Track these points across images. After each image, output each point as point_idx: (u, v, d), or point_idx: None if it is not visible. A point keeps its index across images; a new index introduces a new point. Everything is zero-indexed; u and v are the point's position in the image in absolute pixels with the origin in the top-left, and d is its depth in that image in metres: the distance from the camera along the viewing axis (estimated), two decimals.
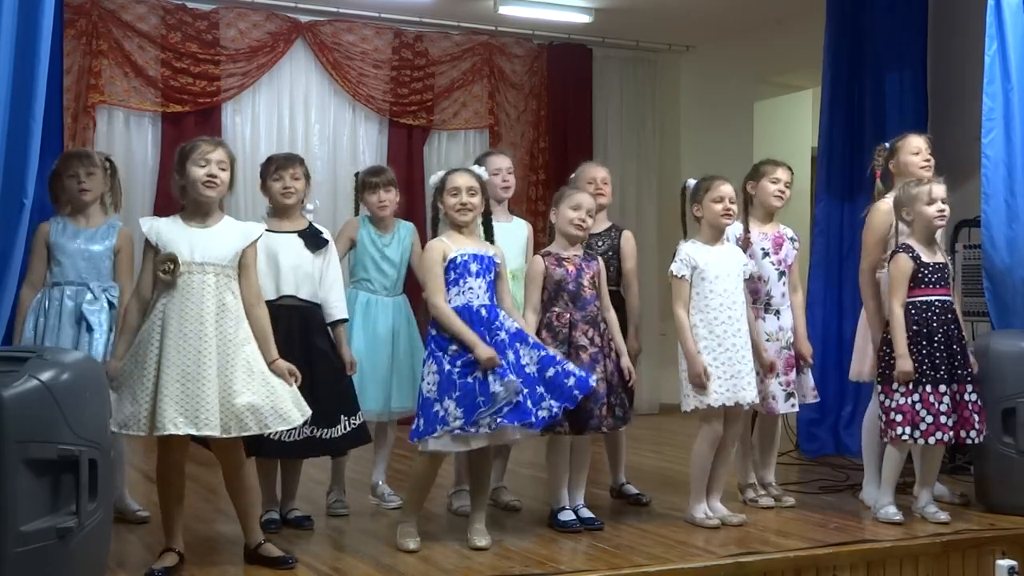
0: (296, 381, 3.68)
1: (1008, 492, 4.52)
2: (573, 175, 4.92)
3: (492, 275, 4.02)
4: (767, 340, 4.63)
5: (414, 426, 3.88)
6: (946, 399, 4.26)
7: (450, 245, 4.01)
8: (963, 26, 5.99)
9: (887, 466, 4.43)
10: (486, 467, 4.11)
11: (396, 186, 4.75)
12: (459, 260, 3.97)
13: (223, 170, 3.67)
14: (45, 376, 3.11)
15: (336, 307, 4.36)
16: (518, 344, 3.95)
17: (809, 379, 4.78)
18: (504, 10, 7.54)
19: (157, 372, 3.49)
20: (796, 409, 4.78)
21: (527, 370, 3.92)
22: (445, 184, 4.05)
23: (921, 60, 6.17)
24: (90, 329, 4.24)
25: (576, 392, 3.95)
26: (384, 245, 4.70)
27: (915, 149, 4.76)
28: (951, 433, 4.26)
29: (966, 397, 4.29)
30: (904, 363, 4.27)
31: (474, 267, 3.97)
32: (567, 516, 4.27)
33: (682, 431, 4.43)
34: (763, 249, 4.68)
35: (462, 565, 3.75)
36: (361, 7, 7.57)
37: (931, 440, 4.26)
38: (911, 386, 4.28)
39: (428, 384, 3.88)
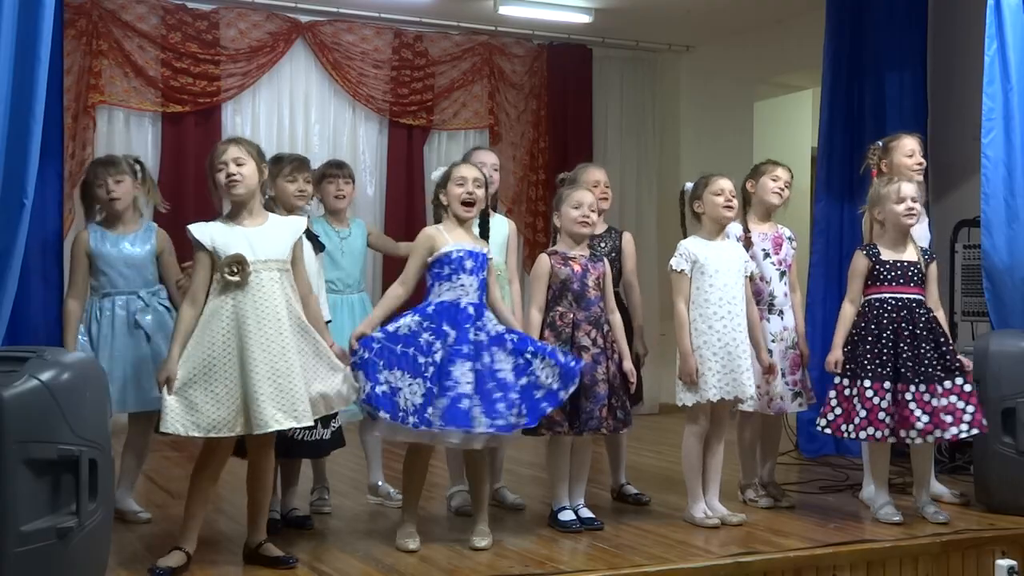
0: (347, 365, 3.77)
1: (1008, 492, 4.52)
2: (569, 175, 4.86)
3: (485, 273, 4.01)
4: (772, 341, 4.63)
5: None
6: (888, 395, 4.25)
7: (447, 238, 3.99)
8: (963, 26, 5.99)
9: (871, 464, 4.45)
10: (481, 467, 4.09)
11: (354, 182, 4.82)
12: (455, 255, 3.95)
13: (240, 165, 3.65)
14: (45, 376, 3.12)
15: (322, 309, 4.37)
16: (495, 348, 3.93)
17: (807, 381, 4.79)
18: (504, 10, 7.54)
19: (241, 373, 3.53)
20: (802, 408, 4.78)
21: (500, 375, 3.89)
22: (451, 175, 4.04)
23: (921, 60, 6.17)
24: (149, 338, 4.27)
25: (544, 405, 3.95)
26: (343, 239, 4.71)
27: (909, 151, 4.76)
28: (887, 430, 4.25)
29: (907, 396, 4.23)
30: (833, 353, 4.37)
31: (469, 264, 3.96)
32: (567, 516, 4.28)
33: (682, 431, 4.42)
34: (764, 250, 4.69)
35: (462, 565, 3.75)
36: (361, 7, 7.57)
37: (862, 435, 4.28)
38: (849, 380, 4.32)
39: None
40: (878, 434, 4.26)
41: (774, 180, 4.71)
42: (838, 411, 4.35)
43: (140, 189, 4.45)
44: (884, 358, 4.28)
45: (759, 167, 4.79)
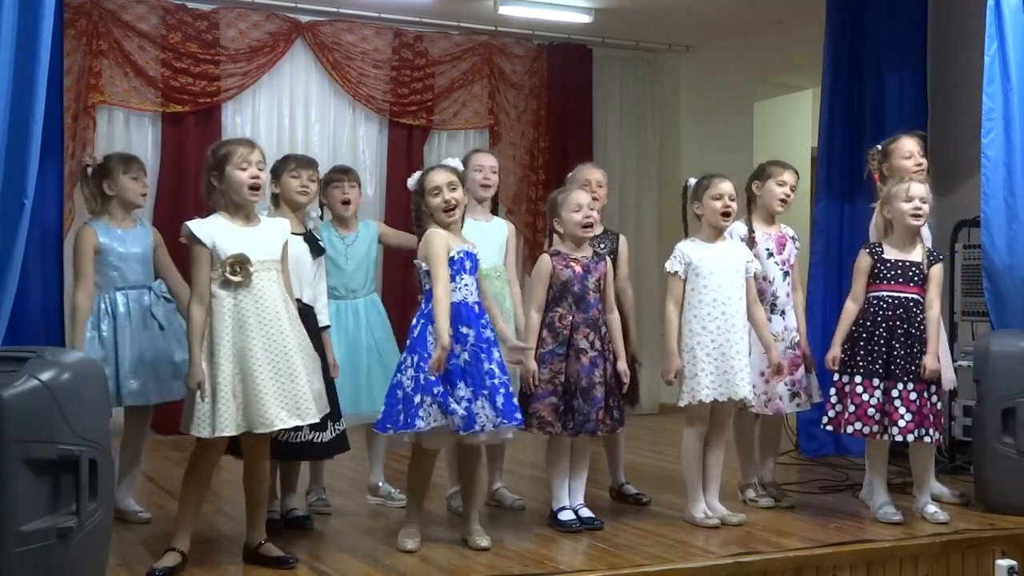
0: None
1: (1008, 492, 4.53)
2: (569, 176, 4.94)
3: (478, 272, 4.02)
4: (774, 340, 4.62)
5: (381, 417, 3.88)
6: (877, 392, 4.28)
7: (449, 239, 3.99)
8: (963, 26, 5.99)
9: (869, 463, 4.45)
10: (475, 466, 4.08)
11: (360, 187, 4.81)
12: (457, 257, 3.95)
13: (261, 170, 3.72)
14: (45, 376, 3.12)
15: (322, 314, 4.40)
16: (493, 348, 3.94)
17: (815, 379, 4.79)
18: (504, 10, 7.54)
19: (243, 372, 3.55)
20: (801, 409, 4.78)
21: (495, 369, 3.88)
22: (425, 185, 4.00)
23: (921, 60, 6.17)
24: (162, 328, 4.34)
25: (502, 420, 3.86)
26: (348, 245, 4.71)
27: (907, 153, 4.76)
28: (875, 427, 4.28)
29: (893, 393, 4.27)
30: (832, 350, 4.41)
31: (468, 264, 3.97)
32: (567, 516, 4.28)
33: (682, 431, 4.43)
34: (767, 249, 4.68)
35: (462, 565, 3.75)
36: (361, 7, 7.57)
37: (849, 429, 4.32)
38: (842, 377, 4.37)
39: (407, 378, 3.82)
40: (866, 429, 4.31)
41: (780, 185, 4.68)
42: (838, 408, 4.38)
43: None
44: (875, 355, 4.32)
45: (766, 168, 4.75)
